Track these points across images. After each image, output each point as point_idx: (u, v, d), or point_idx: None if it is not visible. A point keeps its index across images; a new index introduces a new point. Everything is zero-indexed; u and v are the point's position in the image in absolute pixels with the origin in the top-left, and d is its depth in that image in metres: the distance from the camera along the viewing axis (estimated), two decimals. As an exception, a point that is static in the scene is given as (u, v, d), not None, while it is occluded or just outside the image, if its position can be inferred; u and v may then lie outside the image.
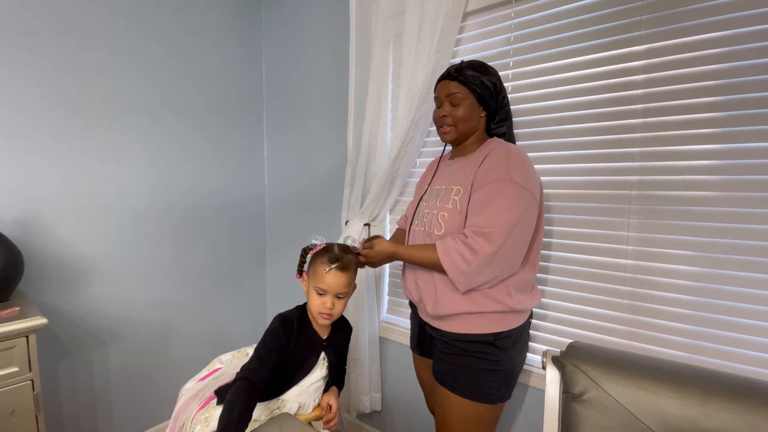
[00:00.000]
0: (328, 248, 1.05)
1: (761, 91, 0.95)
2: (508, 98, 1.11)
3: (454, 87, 1.06)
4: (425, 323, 1.15)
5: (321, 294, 1.00)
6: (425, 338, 1.19)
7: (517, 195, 0.94)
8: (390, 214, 1.69)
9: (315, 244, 1.07)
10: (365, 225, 1.63)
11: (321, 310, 1.00)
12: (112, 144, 1.60)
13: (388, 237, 1.72)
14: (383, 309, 1.74)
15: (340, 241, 1.14)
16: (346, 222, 1.68)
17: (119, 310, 1.66)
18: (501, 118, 1.09)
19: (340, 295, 1.01)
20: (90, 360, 1.60)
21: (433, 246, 1.00)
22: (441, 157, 1.25)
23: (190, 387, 1.12)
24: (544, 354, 0.74)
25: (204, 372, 1.17)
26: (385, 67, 1.55)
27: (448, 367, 1.04)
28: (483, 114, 1.08)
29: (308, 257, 1.07)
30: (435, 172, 1.20)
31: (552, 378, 0.68)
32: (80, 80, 1.51)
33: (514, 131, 1.20)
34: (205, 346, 1.94)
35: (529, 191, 0.96)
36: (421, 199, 1.18)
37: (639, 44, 1.10)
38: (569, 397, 0.62)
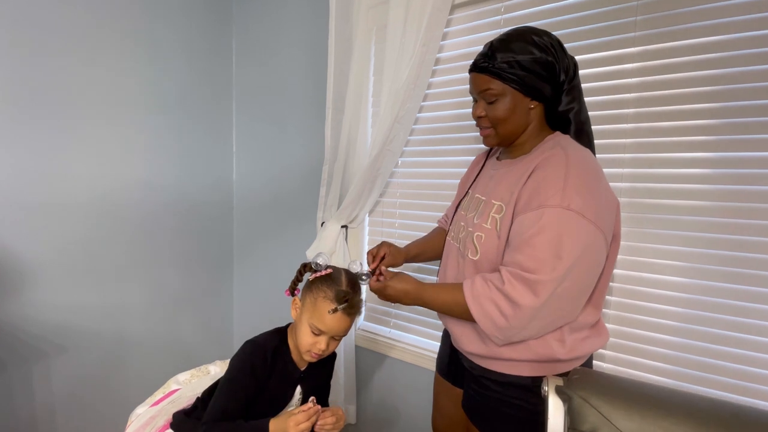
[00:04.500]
0: (334, 279, 0.89)
1: (757, 98, 0.93)
2: (573, 64, 0.84)
3: (486, 81, 0.82)
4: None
5: (316, 333, 0.88)
6: (457, 366, 0.99)
7: (574, 229, 0.72)
8: (369, 215, 1.60)
9: (319, 266, 0.92)
10: (342, 227, 1.54)
11: (312, 350, 0.88)
12: (59, 133, 1.44)
13: (366, 240, 1.63)
14: (361, 317, 1.65)
15: (346, 265, 0.98)
16: (322, 223, 1.58)
17: (64, 318, 1.49)
18: (571, 98, 0.84)
19: (337, 337, 0.90)
20: (30, 375, 1.44)
21: (460, 288, 0.81)
22: (488, 153, 1.02)
23: (142, 413, 0.99)
24: (545, 381, 0.67)
25: (158, 395, 1.04)
26: (366, 59, 1.46)
27: (480, 407, 0.88)
28: (533, 105, 0.84)
29: (305, 276, 0.94)
30: (479, 172, 0.99)
31: (554, 410, 0.61)
32: (25, 65, 1.34)
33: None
34: (162, 360, 1.78)
35: (592, 222, 0.72)
36: (460, 204, 0.99)
37: (632, 46, 1.06)
38: (576, 434, 0.56)
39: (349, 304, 0.86)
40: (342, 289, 0.88)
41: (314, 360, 0.91)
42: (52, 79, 1.41)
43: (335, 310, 0.85)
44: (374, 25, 1.46)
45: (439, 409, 1.11)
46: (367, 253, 1.04)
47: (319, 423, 0.84)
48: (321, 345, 0.87)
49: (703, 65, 0.98)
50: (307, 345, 0.88)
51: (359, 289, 0.93)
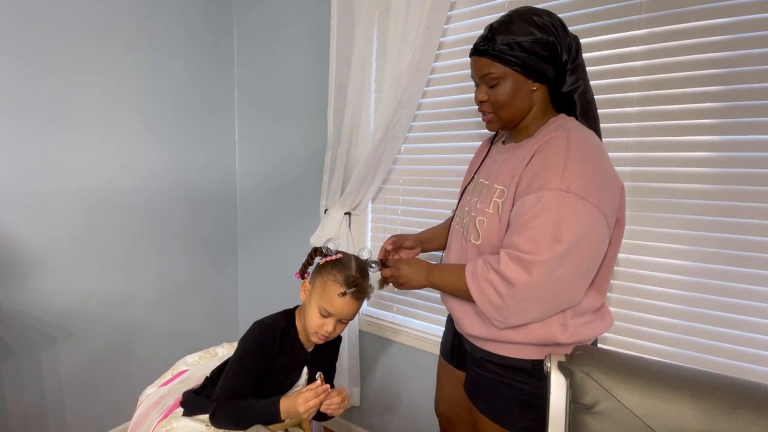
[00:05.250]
0: (344, 264, 0.91)
1: (763, 81, 0.92)
2: (576, 43, 0.82)
3: (486, 65, 0.80)
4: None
5: (324, 315, 0.89)
6: (459, 349, 1.01)
7: (573, 211, 0.71)
8: (372, 202, 1.60)
9: (330, 251, 0.93)
10: (346, 214, 1.54)
11: (319, 332, 0.90)
12: (65, 123, 1.43)
13: (369, 226, 1.64)
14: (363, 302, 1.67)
15: (355, 252, 0.99)
16: (325, 210, 1.58)
17: (72, 305, 1.51)
18: (575, 78, 0.82)
19: (344, 320, 0.91)
20: (38, 361, 1.45)
21: (463, 269, 0.82)
22: (494, 138, 1.01)
23: (151, 393, 1.01)
24: (547, 358, 0.68)
25: (167, 375, 1.06)
26: (369, 43, 1.44)
27: (481, 389, 0.89)
28: (535, 87, 0.82)
29: (316, 260, 0.95)
30: (485, 157, 0.97)
31: (557, 384, 0.62)
32: (27, 54, 1.32)
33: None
34: (169, 344, 1.80)
35: (593, 204, 0.71)
36: (465, 189, 0.99)
37: (638, 28, 1.05)
38: (579, 407, 0.57)
39: (358, 288, 0.88)
40: (351, 273, 0.89)
41: (321, 342, 0.92)
42: (55, 68, 1.39)
43: (344, 294, 0.86)
44: (376, 9, 1.43)
45: (442, 392, 1.12)
46: (380, 251, 1.05)
47: (325, 402, 0.86)
48: (328, 327, 0.88)
49: (710, 48, 0.97)
50: (314, 326, 0.90)
51: (368, 275, 0.94)
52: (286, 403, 0.83)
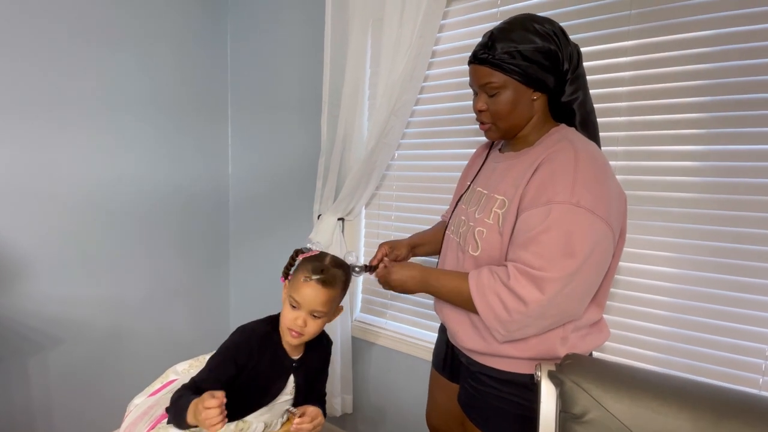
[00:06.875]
0: (318, 257, 0.91)
1: (748, 92, 0.95)
2: (577, 52, 0.81)
3: (486, 73, 0.78)
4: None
5: (294, 307, 0.88)
6: (453, 361, 0.99)
7: (583, 226, 0.69)
8: (366, 208, 1.60)
9: (309, 248, 0.93)
10: (339, 220, 1.55)
11: (291, 326, 0.88)
12: (55, 126, 1.41)
13: (362, 232, 1.64)
14: (357, 308, 1.66)
15: (343, 255, 0.99)
16: (319, 216, 1.58)
17: (60, 310, 1.48)
18: (575, 87, 0.80)
19: (316, 314, 0.88)
20: (26, 367, 1.43)
21: (466, 277, 0.79)
22: (491, 146, 0.99)
23: (140, 403, 0.99)
24: (537, 367, 0.69)
25: (156, 385, 1.04)
26: (362, 51, 1.45)
27: (476, 402, 0.87)
28: (536, 96, 0.80)
29: (297, 261, 0.94)
30: (482, 166, 0.95)
31: (547, 394, 0.63)
32: (20, 57, 1.31)
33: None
34: (159, 352, 1.78)
35: (603, 219, 0.69)
36: (461, 198, 0.96)
37: (627, 40, 1.07)
38: (568, 417, 0.58)
39: (324, 273, 0.86)
40: (321, 263, 0.89)
41: (295, 340, 0.89)
42: (46, 71, 1.38)
43: (308, 279, 0.85)
44: (370, 17, 1.44)
45: (434, 403, 1.10)
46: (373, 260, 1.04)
47: (294, 426, 0.85)
48: (299, 321, 0.86)
49: (697, 60, 0.99)
50: (287, 321, 0.88)
51: (343, 268, 0.93)
52: (192, 406, 0.78)
